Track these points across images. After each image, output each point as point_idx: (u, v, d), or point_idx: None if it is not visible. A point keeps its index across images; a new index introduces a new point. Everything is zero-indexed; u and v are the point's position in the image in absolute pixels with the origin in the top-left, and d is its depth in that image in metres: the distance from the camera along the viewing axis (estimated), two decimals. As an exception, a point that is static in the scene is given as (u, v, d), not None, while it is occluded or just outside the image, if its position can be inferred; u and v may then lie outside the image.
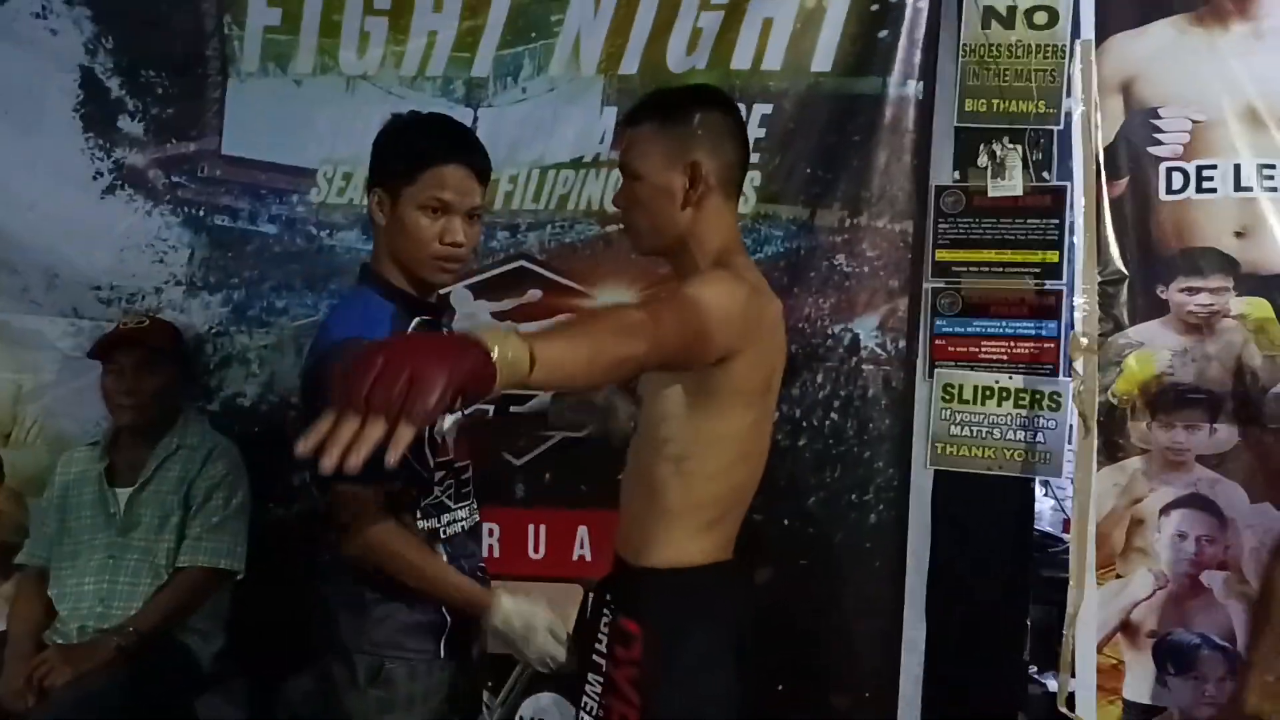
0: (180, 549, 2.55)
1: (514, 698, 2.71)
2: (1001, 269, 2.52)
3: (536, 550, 2.74)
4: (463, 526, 1.99)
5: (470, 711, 2.11)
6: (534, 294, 2.71)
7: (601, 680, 1.73)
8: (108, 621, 2.48)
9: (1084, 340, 2.43)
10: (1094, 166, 2.42)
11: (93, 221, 2.85)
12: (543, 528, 2.74)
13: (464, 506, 2.00)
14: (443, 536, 1.93)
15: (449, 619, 1.89)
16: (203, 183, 2.85)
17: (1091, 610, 2.40)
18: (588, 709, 1.75)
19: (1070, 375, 2.46)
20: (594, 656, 1.76)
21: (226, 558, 2.56)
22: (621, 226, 2.56)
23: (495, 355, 1.16)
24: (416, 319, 1.88)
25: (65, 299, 2.87)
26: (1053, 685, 2.77)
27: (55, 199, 2.84)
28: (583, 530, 2.73)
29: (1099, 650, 2.42)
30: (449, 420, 1.92)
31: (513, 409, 2.71)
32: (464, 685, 2.01)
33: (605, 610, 1.76)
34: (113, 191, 2.87)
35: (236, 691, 2.76)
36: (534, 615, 1.86)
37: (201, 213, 2.85)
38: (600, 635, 1.76)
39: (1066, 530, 3.09)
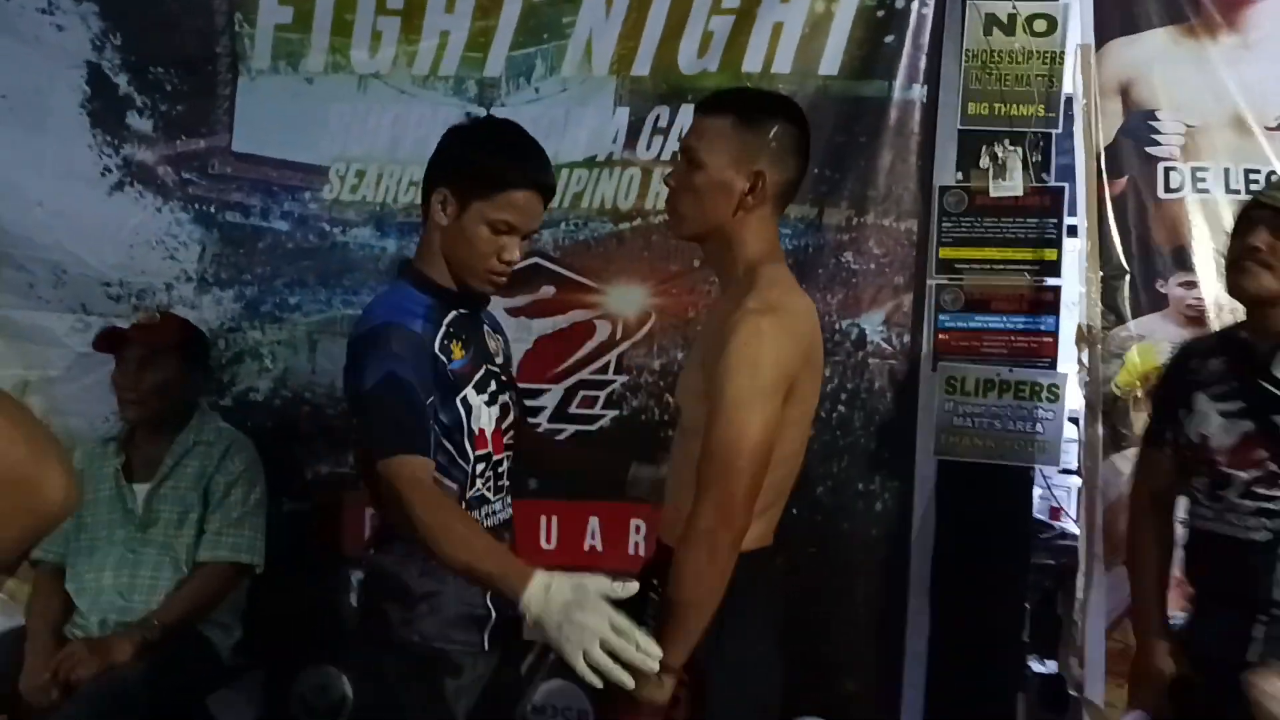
0: (200, 544, 2.58)
1: (530, 687, 2.79)
2: (1002, 266, 2.62)
3: (549, 540, 2.80)
4: (499, 519, 2.03)
5: (513, 703, 2.15)
6: (547, 290, 2.77)
7: None
8: (129, 615, 2.51)
9: (1087, 333, 2.53)
10: (1095, 164, 2.52)
11: (101, 218, 2.87)
12: (554, 519, 2.80)
13: (499, 499, 2.04)
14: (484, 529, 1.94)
15: (493, 612, 1.92)
16: (213, 179, 2.87)
17: (1100, 595, 2.50)
18: None
19: (1068, 368, 2.56)
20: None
21: (247, 552, 2.59)
22: (635, 225, 2.73)
23: None
24: (453, 312, 1.92)
25: (73, 295, 2.88)
26: (1040, 668, 2.90)
27: (63, 196, 2.86)
28: (594, 521, 2.79)
29: (1107, 635, 2.52)
30: (485, 414, 1.95)
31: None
32: (507, 677, 2.06)
33: (652, 594, 1.80)
34: (121, 188, 2.88)
35: (252, 684, 2.81)
36: (584, 605, 1.56)
37: (212, 209, 2.87)
38: (647, 620, 1.81)
39: (1054, 517, 3.23)
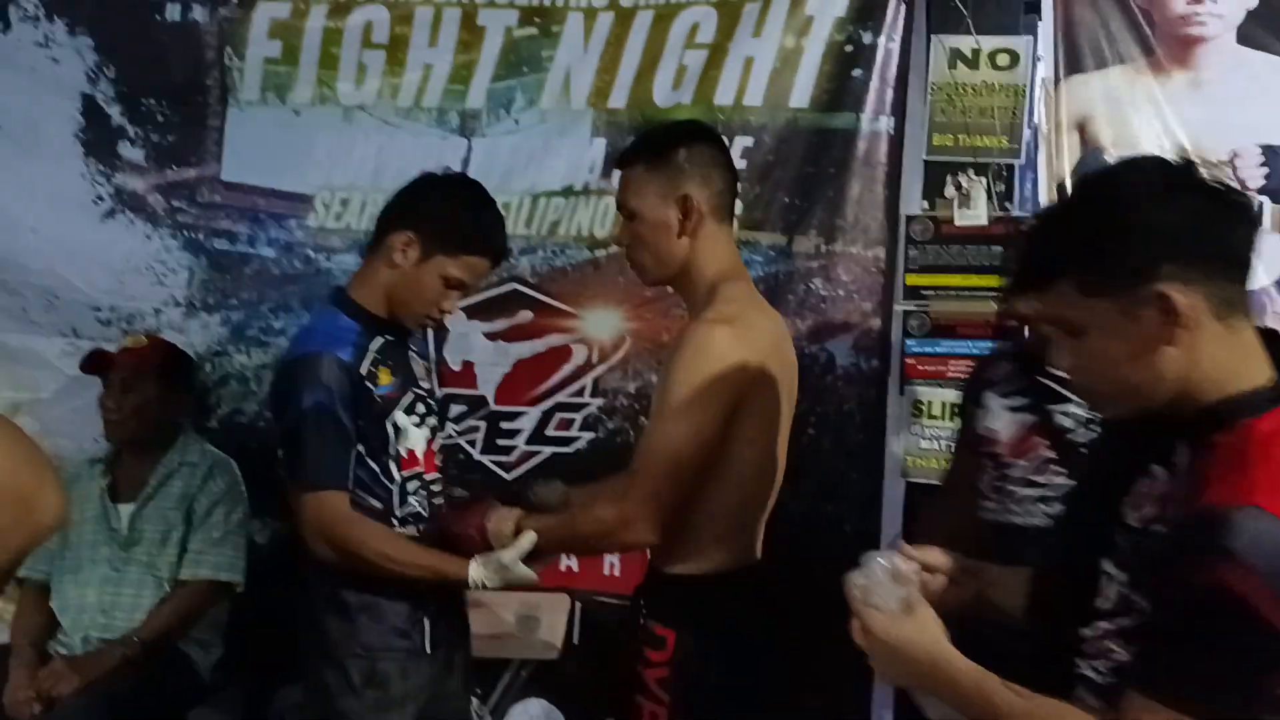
0: (182, 562, 2.63)
1: (504, 704, 2.82)
2: (968, 293, 2.68)
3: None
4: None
5: (460, 706, 2.21)
6: (525, 315, 2.84)
7: (629, 680, 1.83)
8: (111, 632, 2.55)
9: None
10: (1058, 195, 2.60)
11: (93, 244, 2.94)
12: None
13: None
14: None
15: (430, 614, 2.00)
16: (202, 207, 2.95)
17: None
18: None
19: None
20: (630, 662, 1.85)
21: (228, 570, 2.64)
22: (611, 252, 2.80)
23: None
24: (380, 339, 2.01)
25: (64, 319, 2.94)
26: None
27: (56, 222, 2.93)
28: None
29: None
30: (414, 435, 2.04)
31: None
32: (453, 682, 2.12)
33: (640, 616, 1.86)
34: (113, 215, 2.96)
35: (232, 701, 2.84)
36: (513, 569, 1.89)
37: (201, 236, 2.95)
38: (635, 641, 1.85)
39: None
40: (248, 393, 2.94)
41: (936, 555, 1.37)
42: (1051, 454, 2.03)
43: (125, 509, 2.67)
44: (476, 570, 1.88)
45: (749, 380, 1.75)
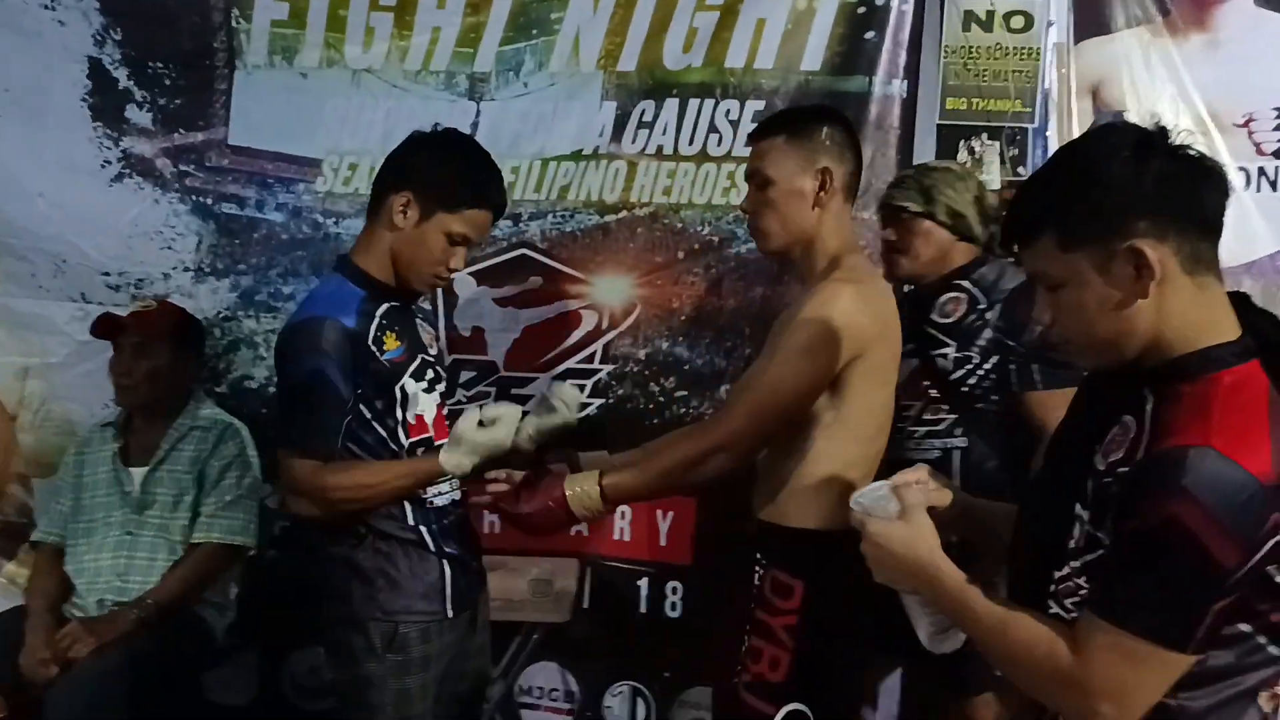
0: (195, 526, 2.64)
1: (514, 668, 2.85)
2: (980, 258, 2.67)
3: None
4: (448, 499, 2.10)
5: (482, 665, 2.23)
6: (535, 281, 2.83)
7: (751, 625, 1.87)
8: (126, 595, 2.57)
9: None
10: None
11: (101, 209, 2.93)
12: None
13: (447, 480, 2.07)
14: (428, 506, 2.05)
15: (448, 570, 2.02)
16: (210, 171, 2.93)
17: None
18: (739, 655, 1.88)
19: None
20: (749, 608, 1.88)
21: (241, 534, 2.66)
22: (621, 217, 2.79)
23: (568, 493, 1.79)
24: (385, 305, 2.01)
25: (73, 284, 2.94)
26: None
27: (63, 187, 2.92)
28: (626, 511, 2.81)
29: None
30: (423, 400, 2.05)
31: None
32: (474, 642, 2.15)
33: (757, 567, 1.89)
34: (120, 180, 2.94)
35: (246, 664, 2.88)
36: (469, 435, 1.95)
37: (209, 201, 2.93)
38: (753, 589, 1.89)
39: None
40: (257, 358, 2.94)
41: (924, 473, 1.46)
42: (935, 393, 2.28)
43: (137, 473, 2.68)
44: (446, 456, 1.94)
45: (869, 338, 1.83)
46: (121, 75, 2.93)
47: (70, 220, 2.91)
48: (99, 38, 2.93)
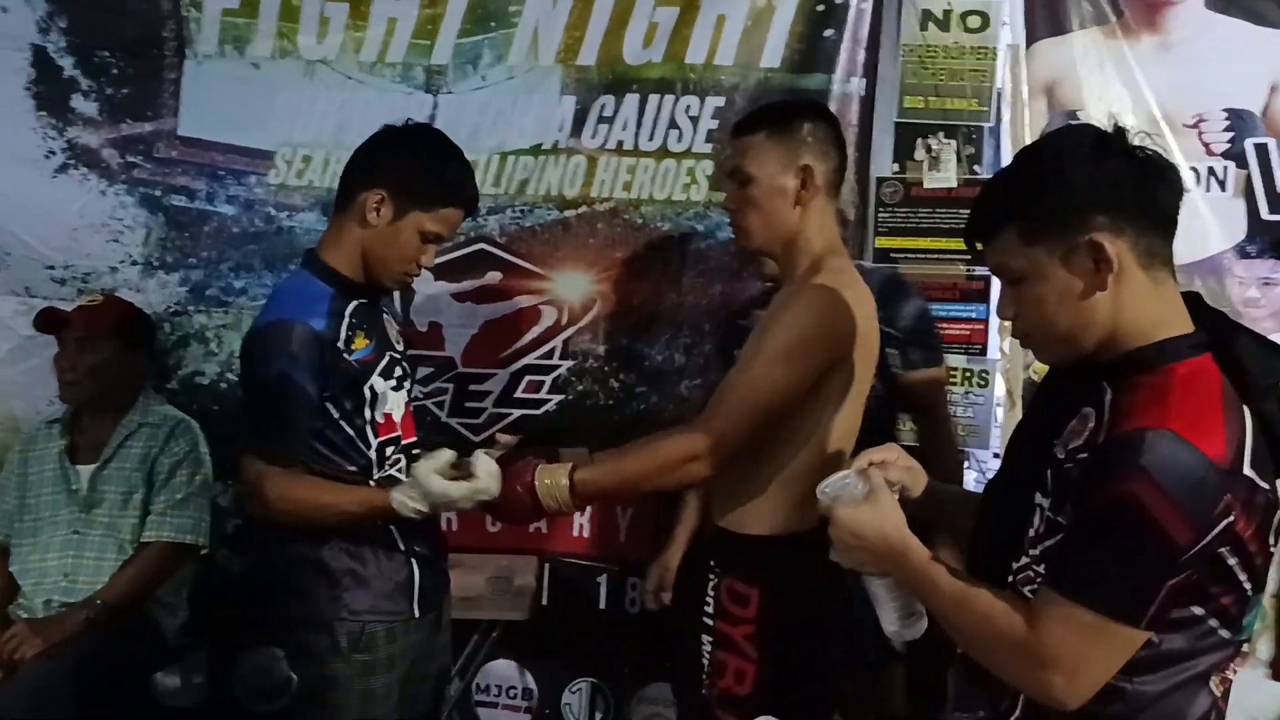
0: (145, 524, 2.59)
1: (472, 667, 2.83)
2: (936, 256, 2.70)
3: (493, 524, 2.83)
4: None
5: (444, 664, 2.21)
6: (494, 276, 2.81)
7: (713, 638, 1.84)
8: (73, 596, 2.51)
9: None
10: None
11: (45, 201, 2.85)
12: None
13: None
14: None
15: (417, 574, 1.99)
16: (159, 163, 2.86)
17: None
18: (703, 668, 1.85)
19: (998, 354, 2.66)
20: (704, 618, 1.86)
21: (192, 533, 2.61)
22: (580, 212, 2.78)
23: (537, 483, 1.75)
24: (354, 302, 1.97)
25: (17, 278, 2.86)
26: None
27: (6, 179, 2.83)
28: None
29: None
30: (392, 399, 2.02)
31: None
32: (436, 644, 2.12)
33: (711, 575, 1.87)
34: (66, 171, 2.86)
35: (197, 664, 2.82)
36: (424, 482, 1.84)
37: (158, 193, 2.87)
38: (708, 598, 1.87)
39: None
40: (208, 353, 2.89)
41: (895, 451, 1.50)
42: None
43: (85, 470, 2.62)
44: (399, 499, 1.84)
45: (847, 345, 1.80)
46: (67, 64, 2.85)
47: (13, 212, 2.83)
48: (43, 25, 2.84)
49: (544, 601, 2.83)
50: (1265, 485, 1.20)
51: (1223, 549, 1.17)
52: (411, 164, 1.95)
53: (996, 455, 3.12)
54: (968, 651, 1.31)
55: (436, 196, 1.95)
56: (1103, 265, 1.22)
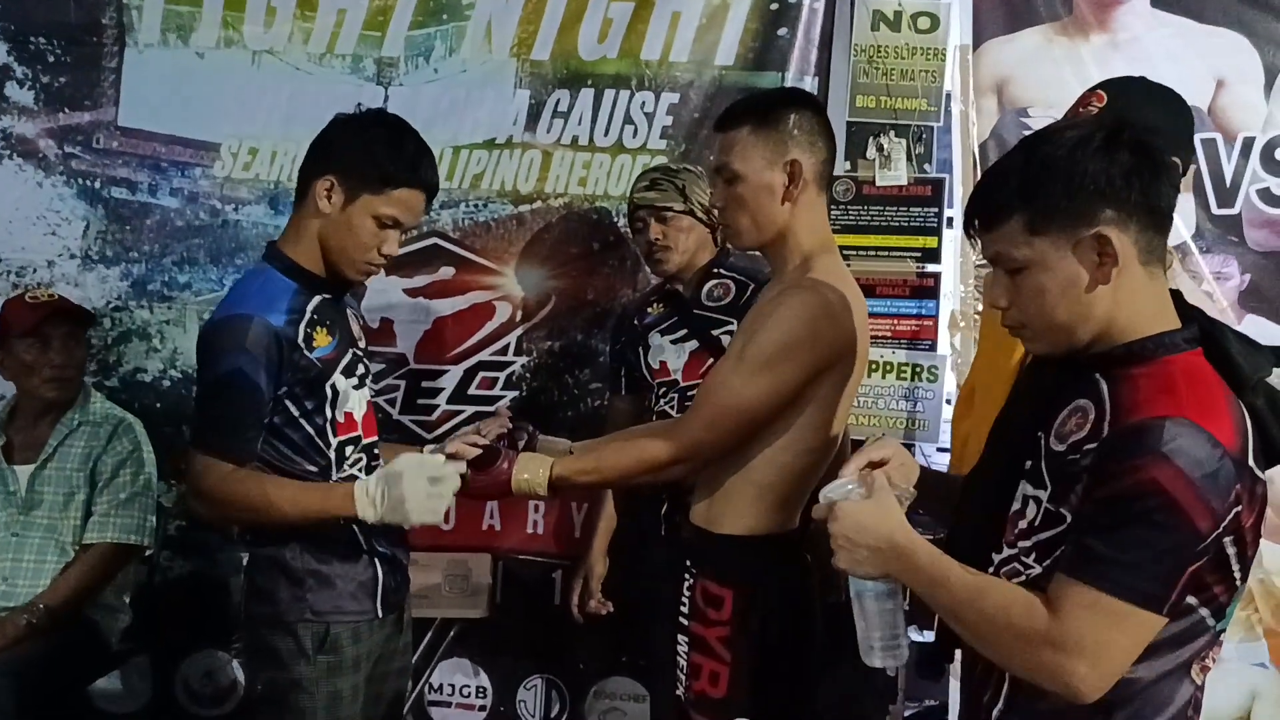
0: (87, 525, 2.52)
1: (427, 666, 2.80)
2: (887, 253, 2.74)
3: (447, 521, 2.79)
4: None
5: (405, 664, 2.17)
6: (447, 271, 2.78)
7: (689, 640, 1.82)
8: (13, 600, 2.44)
9: (960, 319, 2.67)
10: (971, 160, 2.67)
11: (-23, 192, 2.76)
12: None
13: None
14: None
15: (380, 573, 1.96)
16: (98, 154, 2.80)
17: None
18: (679, 668, 1.84)
19: (947, 350, 2.71)
20: (679, 619, 1.84)
21: (136, 533, 2.54)
22: (535, 207, 2.77)
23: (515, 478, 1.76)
24: (317, 298, 1.92)
25: (-52, 272, 2.77)
26: (919, 637, 3.03)
27: (-65, 168, 2.75)
28: (492, 501, 2.80)
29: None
30: (353, 398, 1.97)
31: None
32: (398, 644, 2.09)
33: (686, 575, 1.85)
34: (0, 162, 2.78)
35: (140, 669, 2.76)
36: (399, 478, 1.79)
37: (97, 184, 2.80)
38: (683, 599, 1.85)
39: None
40: (151, 350, 2.82)
41: (893, 448, 1.47)
42: None
43: (23, 471, 2.54)
44: (363, 504, 1.79)
45: (835, 351, 1.76)
46: (0, 50, 2.77)
47: (-58, 202, 2.74)
48: (-25, 11, 2.76)
49: (497, 599, 2.80)
50: (1262, 477, 1.22)
51: (1227, 538, 1.18)
52: (359, 146, 1.88)
53: (942, 450, 3.19)
54: (977, 646, 1.28)
55: (386, 178, 1.87)
56: (1106, 259, 1.22)
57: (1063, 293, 1.24)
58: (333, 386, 1.91)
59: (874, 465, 1.43)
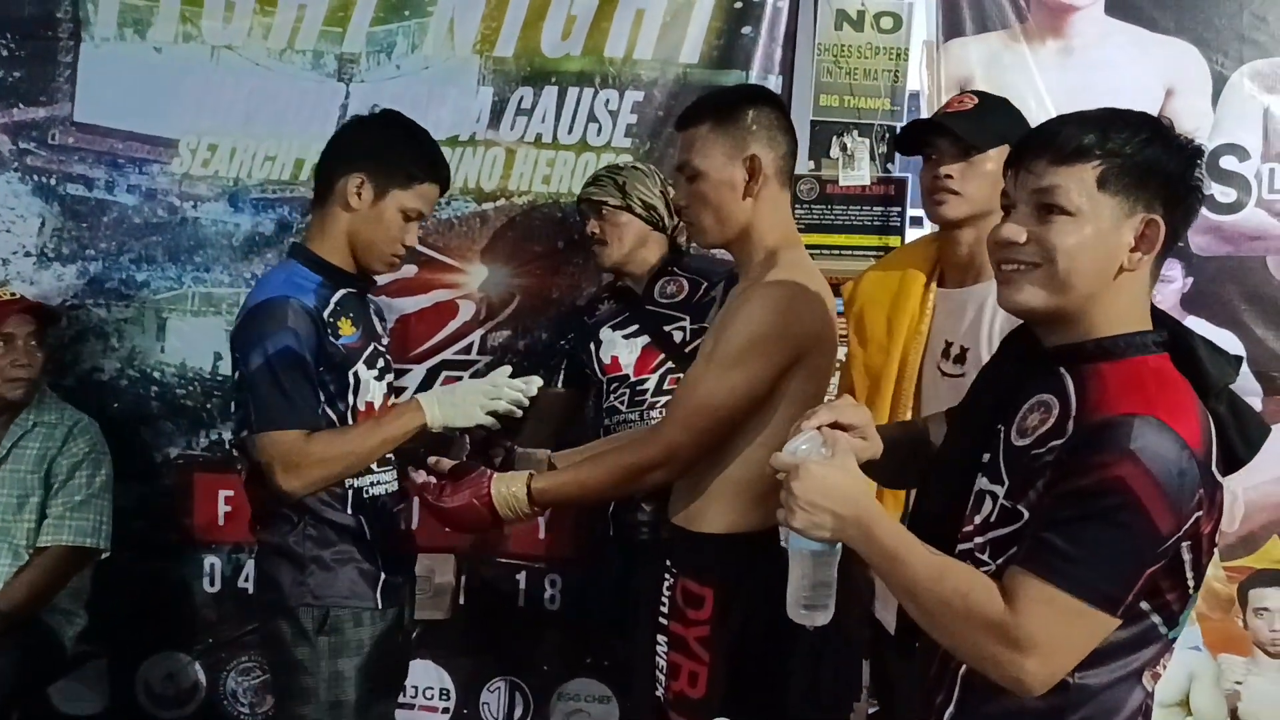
0: (42, 528, 2.49)
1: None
2: (850, 252, 2.75)
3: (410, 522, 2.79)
4: (385, 490, 2.10)
5: (402, 664, 2.24)
6: (409, 269, 2.75)
7: (668, 639, 1.82)
8: (-36, 604, 2.40)
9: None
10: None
11: (-73, 188, 2.71)
12: (415, 500, 2.78)
13: (386, 470, 2.11)
14: (365, 497, 2.05)
15: (382, 569, 2.04)
16: (54, 150, 2.76)
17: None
18: (659, 668, 1.83)
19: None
20: (659, 619, 1.84)
21: (91, 536, 2.51)
22: (499, 205, 2.76)
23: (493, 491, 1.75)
24: (342, 291, 2.04)
25: (-103, 270, 2.72)
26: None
27: (-114, 164, 2.69)
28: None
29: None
30: (374, 389, 2.07)
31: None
32: (397, 640, 2.14)
33: (666, 575, 1.84)
34: (-49, 157, 2.74)
35: (97, 673, 2.73)
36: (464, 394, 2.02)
37: (53, 181, 2.76)
38: (663, 599, 1.84)
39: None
40: (108, 349, 2.78)
41: (864, 415, 1.40)
42: (671, 364, 2.44)
43: (-25, 473, 2.50)
44: (432, 409, 1.98)
45: (806, 344, 1.76)
46: (-49, 44, 2.73)
47: (-107, 199, 2.69)
48: (-75, 2, 2.71)
49: (461, 600, 2.79)
50: (1221, 484, 1.21)
51: (1185, 543, 1.17)
52: (386, 145, 2.04)
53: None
54: (930, 629, 1.24)
55: (413, 174, 2.03)
56: (1143, 246, 1.21)
57: (1095, 257, 1.21)
58: (355, 375, 2.02)
59: (839, 427, 1.35)
